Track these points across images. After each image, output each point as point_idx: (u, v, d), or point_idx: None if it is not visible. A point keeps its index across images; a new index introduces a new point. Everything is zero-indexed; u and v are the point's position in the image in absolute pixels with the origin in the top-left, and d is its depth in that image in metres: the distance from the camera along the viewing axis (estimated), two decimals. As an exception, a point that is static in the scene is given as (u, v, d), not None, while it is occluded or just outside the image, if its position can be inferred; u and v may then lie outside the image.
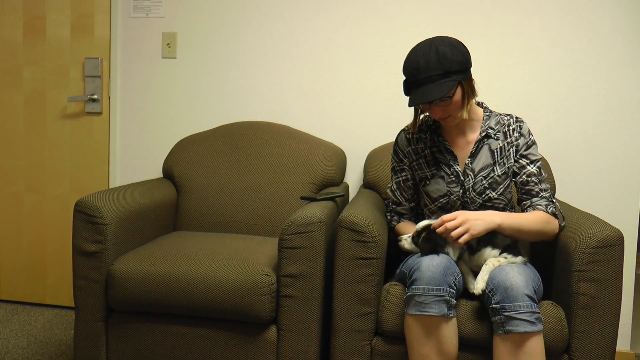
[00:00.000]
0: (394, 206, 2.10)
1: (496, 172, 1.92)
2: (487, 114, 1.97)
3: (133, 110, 2.96)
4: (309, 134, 2.74)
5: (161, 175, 2.76)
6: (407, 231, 1.99)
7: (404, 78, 1.96)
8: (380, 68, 2.75)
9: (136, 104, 2.95)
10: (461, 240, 1.71)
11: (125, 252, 2.13)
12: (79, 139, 2.97)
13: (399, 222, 2.09)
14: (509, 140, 1.93)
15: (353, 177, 2.81)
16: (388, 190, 2.13)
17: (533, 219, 1.82)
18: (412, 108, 2.04)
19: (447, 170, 1.95)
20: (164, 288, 1.94)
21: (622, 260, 1.77)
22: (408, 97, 1.99)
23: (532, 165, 1.91)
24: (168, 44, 2.91)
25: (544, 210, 1.86)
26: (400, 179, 2.07)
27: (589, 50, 2.58)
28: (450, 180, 1.94)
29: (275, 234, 2.49)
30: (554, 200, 1.91)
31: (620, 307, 1.78)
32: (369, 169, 2.58)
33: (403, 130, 2.07)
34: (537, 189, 1.90)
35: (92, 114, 2.96)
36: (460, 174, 1.94)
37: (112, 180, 2.96)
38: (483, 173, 1.93)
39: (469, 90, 1.84)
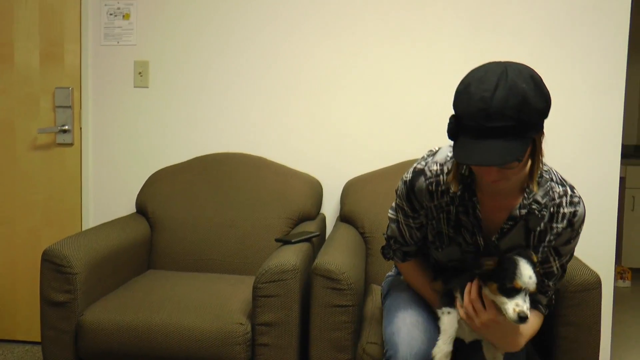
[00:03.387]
0: (397, 245, 1.70)
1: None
2: (537, 178, 1.44)
3: (105, 141, 2.90)
4: (284, 166, 2.71)
5: (134, 208, 2.70)
6: (416, 277, 1.73)
7: (455, 114, 1.31)
8: (356, 98, 2.72)
9: (108, 135, 2.89)
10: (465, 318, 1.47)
11: (96, 299, 2.08)
12: (50, 171, 2.91)
13: (404, 260, 1.72)
14: (553, 225, 1.47)
15: (329, 209, 2.78)
16: (393, 226, 1.67)
17: (534, 323, 1.54)
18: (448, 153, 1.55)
19: (467, 237, 1.54)
20: (136, 339, 1.90)
21: (600, 303, 1.77)
22: (454, 145, 1.32)
23: (557, 262, 1.53)
24: (140, 72, 2.85)
25: (542, 312, 1.58)
26: (414, 225, 1.62)
27: (569, 74, 2.59)
28: (467, 250, 1.56)
29: (251, 272, 2.46)
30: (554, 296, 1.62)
31: (599, 350, 1.78)
32: (346, 201, 2.56)
33: (423, 174, 1.53)
34: (547, 288, 1.56)
35: (63, 145, 2.89)
36: (481, 248, 1.53)
37: (85, 214, 2.90)
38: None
39: (539, 149, 1.34)
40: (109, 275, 2.18)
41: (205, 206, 2.57)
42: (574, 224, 1.47)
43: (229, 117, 2.81)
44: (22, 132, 2.91)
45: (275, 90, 2.78)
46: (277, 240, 2.20)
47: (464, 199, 1.49)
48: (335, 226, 2.50)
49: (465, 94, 1.27)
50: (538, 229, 1.47)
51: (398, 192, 1.63)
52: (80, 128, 2.88)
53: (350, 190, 2.59)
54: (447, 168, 1.51)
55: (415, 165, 1.58)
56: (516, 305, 1.34)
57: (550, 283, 1.55)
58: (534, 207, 1.45)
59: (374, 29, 2.70)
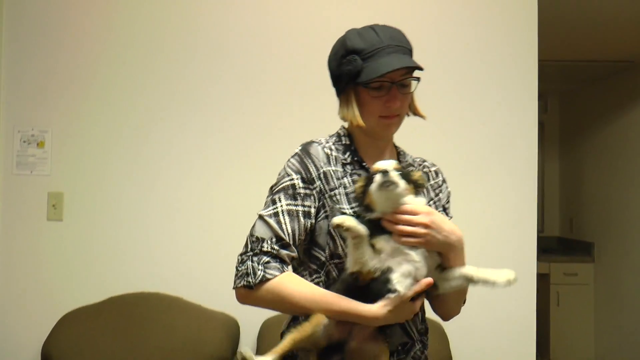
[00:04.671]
0: (275, 247, 1.34)
1: None
2: (399, 148, 1.58)
3: (13, 278, 2.75)
4: (200, 306, 2.65)
5: (39, 356, 2.57)
6: (306, 285, 1.35)
7: (358, 48, 1.39)
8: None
9: (17, 271, 2.75)
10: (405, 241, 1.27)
11: None
12: (-49, 307, 2.74)
13: (282, 271, 1.33)
14: (432, 182, 1.55)
15: (247, 345, 2.72)
16: (270, 220, 1.36)
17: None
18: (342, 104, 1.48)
19: None
20: None
21: None
22: (364, 69, 1.37)
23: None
24: (54, 205, 2.76)
25: None
26: (301, 209, 1.38)
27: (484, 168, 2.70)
28: None
29: None
30: None
31: None
32: (262, 341, 2.52)
33: (315, 142, 1.46)
34: None
35: (-34, 280, 2.75)
36: None
37: (-14, 358, 2.73)
38: None
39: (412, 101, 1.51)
40: None
41: (117, 356, 2.46)
42: (444, 178, 1.59)
43: (145, 254, 2.74)
44: None
45: (192, 228, 2.74)
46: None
47: (354, 168, 1.45)
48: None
49: (370, 30, 1.41)
50: (425, 187, 1.50)
51: (282, 174, 1.44)
52: (-14, 262, 2.75)
53: (267, 330, 2.55)
54: (332, 141, 1.49)
55: (298, 145, 1.49)
56: (379, 176, 1.27)
57: None
58: (412, 169, 1.52)
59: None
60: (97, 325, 2.54)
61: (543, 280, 4.67)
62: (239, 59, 2.76)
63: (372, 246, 1.25)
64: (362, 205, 1.31)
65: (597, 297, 4.88)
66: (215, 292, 2.72)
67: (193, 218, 2.74)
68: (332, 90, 1.50)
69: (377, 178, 1.26)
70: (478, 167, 2.72)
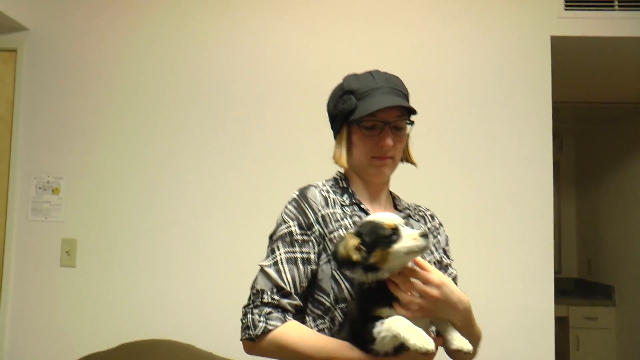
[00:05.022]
0: (276, 297, 1.32)
1: (435, 257, 1.48)
2: (394, 194, 1.58)
3: (25, 324, 2.75)
4: (211, 354, 2.60)
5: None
6: (310, 333, 1.31)
7: (354, 89, 1.42)
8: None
9: (30, 317, 2.75)
10: (410, 313, 1.20)
11: None
12: (-38, 354, 2.73)
13: (284, 321, 1.30)
14: (429, 226, 1.54)
15: (261, 398, 2.67)
16: (270, 270, 1.35)
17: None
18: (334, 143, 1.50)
19: None
20: None
21: None
22: (358, 107, 1.40)
23: (453, 269, 1.52)
24: (67, 251, 2.76)
25: None
26: (300, 255, 1.36)
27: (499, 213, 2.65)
28: None
29: None
30: None
31: None
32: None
33: (312, 186, 1.45)
34: None
35: (-22, 326, 2.73)
36: None
37: (-3, 404, 2.70)
38: None
39: (407, 146, 1.52)
40: None
41: (126, 406, 2.43)
42: (441, 224, 1.57)
43: (158, 301, 2.72)
44: (-64, 311, 2.75)
45: (204, 275, 2.72)
46: None
47: (354, 210, 1.43)
48: None
49: (367, 74, 1.44)
50: (422, 229, 1.43)
51: (279, 222, 1.43)
52: (-1, 308, 2.74)
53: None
54: (329, 184, 1.49)
55: (295, 190, 1.47)
56: (408, 236, 1.18)
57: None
58: (408, 212, 1.52)
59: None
60: (108, 374, 2.51)
61: (562, 324, 4.56)
62: (244, 104, 2.79)
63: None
64: (358, 266, 1.20)
65: (620, 342, 4.74)
66: (227, 340, 2.68)
67: (205, 266, 2.73)
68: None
69: (408, 240, 1.18)
70: (493, 207, 2.68)
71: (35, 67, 2.83)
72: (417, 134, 2.64)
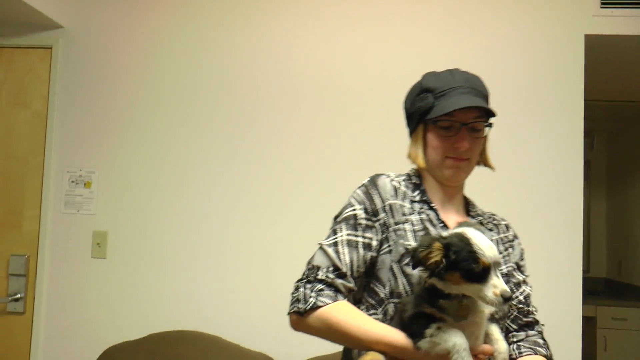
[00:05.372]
0: (330, 275, 1.31)
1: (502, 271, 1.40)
2: (468, 199, 1.53)
3: (58, 312, 2.83)
4: (238, 346, 2.64)
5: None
6: (359, 315, 1.29)
7: (432, 87, 1.39)
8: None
9: (62, 306, 2.83)
10: None
11: None
12: (-3, 340, 2.82)
13: (335, 300, 1.29)
14: (502, 236, 1.49)
15: (286, 391, 2.71)
16: (329, 249, 1.34)
17: None
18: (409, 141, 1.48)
19: None
20: None
21: None
22: (435, 105, 1.37)
23: (527, 285, 1.48)
24: (98, 243, 2.83)
25: (546, 355, 1.46)
26: (362, 240, 1.35)
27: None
28: None
29: None
30: None
31: None
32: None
33: (384, 175, 1.44)
34: (532, 318, 1.47)
35: (13, 314, 2.82)
36: None
37: (31, 387, 2.79)
38: None
39: (485, 149, 1.49)
40: None
41: (154, 396, 2.48)
42: (515, 234, 1.51)
43: (185, 292, 2.77)
44: (-27, 299, 2.85)
45: (232, 268, 2.76)
46: None
47: (422, 207, 1.40)
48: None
49: (446, 72, 1.40)
50: (493, 238, 1.43)
51: (345, 204, 1.41)
52: (34, 297, 2.82)
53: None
54: (401, 178, 1.46)
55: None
56: (494, 287, 1.10)
57: (532, 308, 1.48)
58: (480, 219, 1.47)
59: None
60: (136, 362, 2.57)
61: (589, 324, 4.51)
62: (274, 101, 2.81)
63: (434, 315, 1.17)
64: (432, 273, 1.15)
65: (649, 344, 4.67)
66: (254, 332, 2.73)
67: (233, 260, 2.77)
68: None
69: (489, 290, 1.10)
70: (523, 205, 2.66)
71: (69, 64, 2.90)
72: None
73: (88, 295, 2.83)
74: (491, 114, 1.38)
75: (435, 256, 1.13)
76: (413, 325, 1.18)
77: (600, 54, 2.89)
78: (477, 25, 2.76)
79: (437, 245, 1.14)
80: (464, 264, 1.10)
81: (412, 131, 1.45)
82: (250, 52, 2.84)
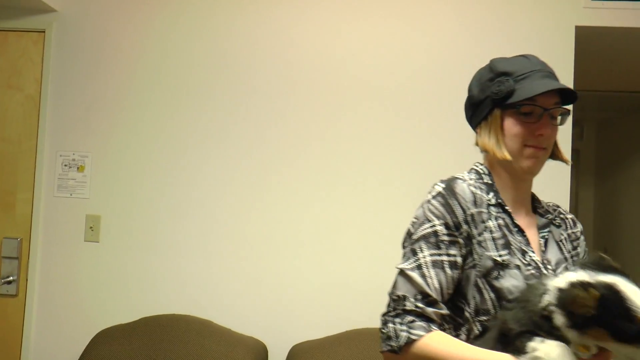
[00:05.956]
0: (420, 305, 1.19)
1: None
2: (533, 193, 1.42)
3: (51, 295, 2.85)
4: (229, 330, 2.68)
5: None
6: (457, 344, 1.17)
7: (510, 71, 1.31)
8: (303, 259, 2.75)
9: (55, 289, 2.85)
10: None
11: None
12: (-9, 322, 2.85)
13: (429, 331, 1.18)
14: (569, 232, 1.39)
15: (275, 373, 2.75)
16: (413, 274, 1.22)
17: None
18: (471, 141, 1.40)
19: (520, 257, 1.25)
20: None
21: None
22: (515, 90, 1.28)
23: None
24: (91, 227, 2.85)
25: None
26: (447, 258, 1.23)
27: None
28: (528, 274, 1.23)
29: None
30: None
31: None
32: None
33: (459, 179, 1.32)
34: None
35: (6, 296, 2.84)
36: (539, 265, 1.26)
37: (24, 368, 2.82)
38: (559, 270, 1.28)
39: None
40: None
41: (146, 378, 2.52)
42: (583, 232, 1.42)
43: (177, 277, 2.80)
44: (-34, 281, 2.86)
45: (223, 253, 2.79)
46: None
47: (499, 211, 1.29)
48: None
49: (520, 57, 1.35)
50: (562, 236, 1.36)
51: (421, 219, 1.27)
52: (27, 280, 2.84)
53: (297, 356, 2.57)
54: (473, 179, 1.34)
55: (437, 182, 1.33)
56: None
57: None
58: (548, 215, 1.38)
59: (318, 195, 2.75)
60: (129, 344, 2.60)
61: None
62: (270, 88, 2.82)
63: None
64: (574, 324, 0.99)
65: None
66: (244, 317, 2.77)
67: (225, 243, 2.79)
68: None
69: None
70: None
71: (63, 48, 2.90)
72: (440, 127, 2.66)
73: (81, 279, 2.85)
74: (572, 99, 1.32)
75: (589, 306, 0.96)
76: (515, 340, 1.08)
77: (591, 45, 2.92)
78: (468, 16, 2.78)
79: (594, 293, 0.96)
80: (616, 321, 0.94)
81: (483, 119, 1.34)
82: (248, 38, 2.85)
